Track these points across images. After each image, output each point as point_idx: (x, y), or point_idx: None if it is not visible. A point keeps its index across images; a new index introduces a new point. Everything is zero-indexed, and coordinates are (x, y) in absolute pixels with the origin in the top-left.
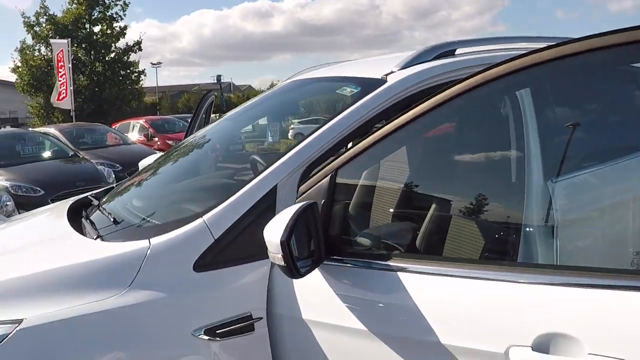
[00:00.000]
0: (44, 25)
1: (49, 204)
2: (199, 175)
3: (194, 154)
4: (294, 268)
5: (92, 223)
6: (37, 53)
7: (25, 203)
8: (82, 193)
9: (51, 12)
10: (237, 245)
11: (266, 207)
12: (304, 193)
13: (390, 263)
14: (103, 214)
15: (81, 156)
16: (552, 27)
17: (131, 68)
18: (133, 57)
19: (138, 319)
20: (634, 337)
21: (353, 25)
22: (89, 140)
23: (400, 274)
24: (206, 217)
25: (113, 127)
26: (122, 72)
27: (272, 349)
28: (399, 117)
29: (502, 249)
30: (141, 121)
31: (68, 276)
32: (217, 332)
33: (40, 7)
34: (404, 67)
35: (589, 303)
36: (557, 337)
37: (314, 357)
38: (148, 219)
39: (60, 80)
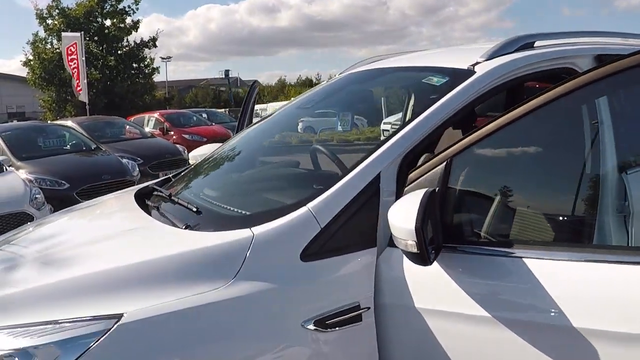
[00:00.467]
0: (56, 18)
1: (74, 197)
2: (263, 165)
3: (255, 145)
4: (427, 255)
5: (169, 213)
6: (49, 46)
7: (49, 196)
8: (108, 186)
9: (63, 5)
10: (343, 233)
11: (371, 195)
12: (414, 181)
13: (510, 250)
14: (179, 204)
15: (104, 149)
16: (559, 24)
17: (145, 63)
18: (147, 52)
19: (246, 312)
20: None
21: (360, 21)
22: (108, 134)
23: (523, 259)
24: (311, 205)
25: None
26: (135, 66)
27: (379, 339)
28: (513, 110)
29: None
30: (156, 115)
31: (167, 267)
32: (327, 322)
33: (53, 0)
34: (489, 58)
35: None
36: None
37: (428, 345)
38: (235, 209)
39: (73, 73)
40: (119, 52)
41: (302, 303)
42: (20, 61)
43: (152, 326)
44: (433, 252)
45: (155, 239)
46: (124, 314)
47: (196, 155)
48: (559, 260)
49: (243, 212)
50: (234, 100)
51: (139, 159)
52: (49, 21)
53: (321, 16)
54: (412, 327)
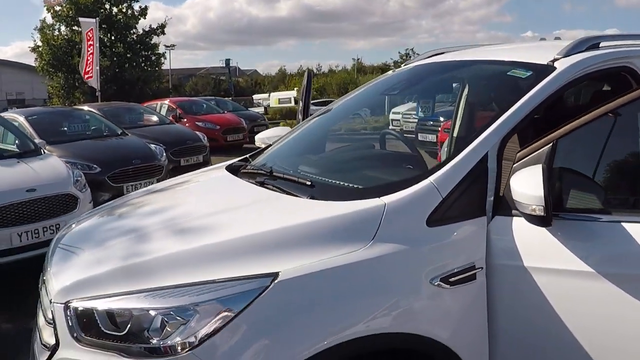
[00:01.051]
0: (64, 5)
1: (106, 181)
2: (345, 147)
3: (329, 127)
4: (550, 219)
5: (282, 186)
6: (56, 32)
7: None
8: (138, 171)
9: None
10: (459, 203)
11: (480, 171)
12: (522, 158)
13: (606, 215)
14: (286, 179)
15: (129, 135)
16: (559, 19)
17: (153, 50)
18: (155, 39)
19: (384, 270)
20: None
21: (360, 12)
22: (127, 120)
23: (618, 223)
24: (433, 178)
25: None
26: (144, 54)
27: (488, 295)
28: (610, 102)
29: None
30: (168, 102)
31: (310, 232)
32: (450, 280)
33: None
34: (566, 56)
35: None
36: None
37: (535, 299)
38: (349, 184)
39: (88, 59)
40: (128, 39)
41: (430, 263)
42: (28, 47)
43: (306, 283)
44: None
45: (289, 208)
46: (280, 272)
47: (263, 138)
48: None
49: (358, 186)
50: (234, 89)
51: (161, 144)
52: (57, 8)
53: (321, 7)
54: (520, 284)
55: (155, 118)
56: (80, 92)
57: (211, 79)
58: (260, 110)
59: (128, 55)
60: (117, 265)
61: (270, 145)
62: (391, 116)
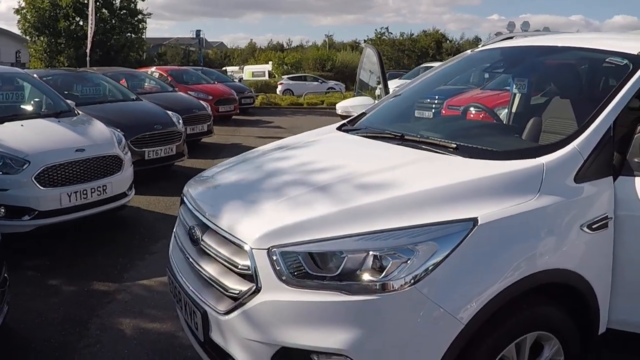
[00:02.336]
0: None
1: (129, 145)
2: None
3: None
4: None
5: (428, 147)
6: None
7: None
8: (159, 136)
9: None
10: (595, 164)
11: (608, 139)
12: None
13: None
14: (425, 142)
15: (143, 100)
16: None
17: (136, 15)
18: (140, 5)
19: (549, 217)
20: None
21: None
22: (130, 86)
23: None
24: (575, 143)
25: None
26: (129, 20)
27: (615, 240)
28: None
29: None
30: (155, 70)
31: (488, 185)
32: (593, 227)
33: None
34: None
35: None
36: None
37: None
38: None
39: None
40: (113, 6)
41: (580, 212)
42: (13, 9)
43: (499, 226)
44: None
45: (455, 165)
46: (478, 217)
47: (345, 106)
48: None
49: (511, 148)
50: (203, 61)
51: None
52: None
53: None
54: None
55: (155, 85)
56: (65, 57)
57: (181, 49)
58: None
59: (113, 21)
60: (325, 212)
61: (364, 112)
62: (377, 92)
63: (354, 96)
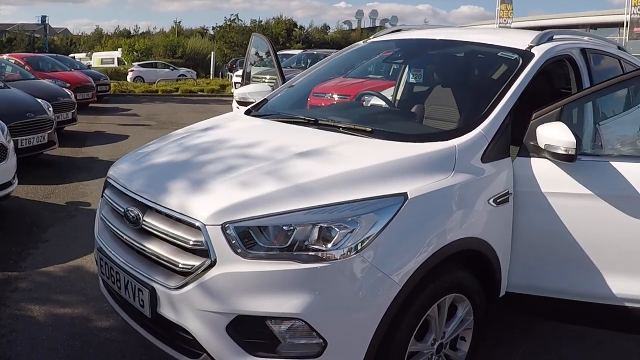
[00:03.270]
0: None
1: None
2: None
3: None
4: (576, 156)
5: (346, 131)
6: None
7: None
8: (32, 124)
9: None
10: (497, 146)
11: (506, 124)
12: (537, 117)
13: (600, 158)
14: (336, 126)
15: (11, 88)
16: None
17: None
18: None
19: (463, 192)
20: None
21: None
22: None
23: (608, 162)
24: (481, 127)
25: None
26: None
27: (514, 213)
28: (605, 82)
29: None
30: (8, 57)
31: (411, 164)
32: (497, 200)
33: None
34: (538, 44)
35: None
36: None
37: (548, 215)
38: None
39: None
40: None
41: (486, 188)
42: None
43: (425, 200)
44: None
45: (379, 147)
46: (407, 192)
47: (244, 93)
48: (632, 163)
49: (425, 132)
50: (49, 47)
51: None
52: None
53: None
54: (537, 204)
55: (14, 73)
56: None
57: (25, 36)
58: None
59: None
60: (272, 189)
61: (265, 99)
62: (234, 79)
63: (241, 85)
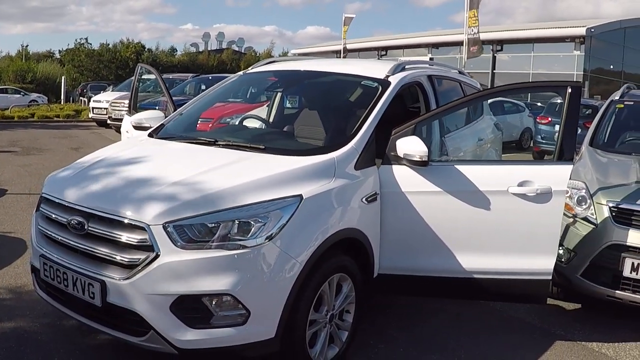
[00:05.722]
0: None
1: None
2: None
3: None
4: (428, 162)
5: (241, 149)
6: None
7: None
8: None
9: None
10: (365, 157)
11: (372, 140)
12: (396, 133)
13: (448, 163)
14: (234, 145)
15: None
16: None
17: None
18: None
19: (343, 193)
20: None
21: None
22: None
23: (454, 166)
24: (352, 142)
25: None
26: None
27: (381, 209)
28: (450, 103)
29: None
30: None
31: (300, 173)
32: (368, 199)
33: None
34: (393, 73)
35: None
36: None
37: (408, 209)
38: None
39: None
40: None
41: (360, 189)
42: None
43: (315, 199)
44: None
45: (273, 161)
46: (302, 194)
47: (141, 118)
48: (470, 165)
49: (307, 147)
50: None
51: None
52: None
53: None
54: (399, 202)
55: None
56: None
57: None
58: None
59: None
60: (198, 195)
61: (162, 124)
62: (92, 104)
63: (131, 113)
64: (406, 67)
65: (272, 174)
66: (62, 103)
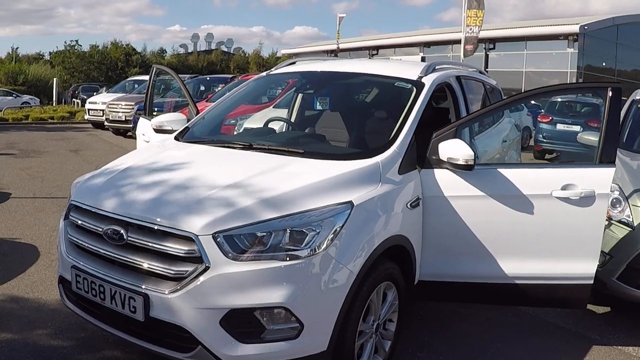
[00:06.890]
0: None
1: None
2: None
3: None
4: (474, 166)
5: (280, 153)
6: None
7: None
8: None
9: None
10: (407, 161)
11: (413, 143)
12: (437, 137)
13: (491, 167)
14: (273, 150)
15: None
16: (207, 15)
17: None
18: None
19: (389, 199)
20: None
21: None
22: None
23: (497, 170)
24: (395, 146)
25: None
26: None
27: (423, 214)
28: (488, 107)
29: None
30: None
31: (348, 178)
32: (412, 205)
33: None
34: (425, 74)
35: None
36: None
37: (451, 214)
38: (331, 152)
39: None
40: None
41: (404, 194)
42: None
43: (366, 205)
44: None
45: (319, 165)
46: (352, 200)
47: (162, 121)
48: (513, 169)
49: (351, 151)
50: None
51: None
52: None
53: None
54: (442, 207)
55: None
56: None
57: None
58: None
59: None
60: (249, 202)
61: (187, 126)
62: (88, 106)
63: (149, 116)
64: (436, 67)
65: (319, 179)
66: (54, 105)
